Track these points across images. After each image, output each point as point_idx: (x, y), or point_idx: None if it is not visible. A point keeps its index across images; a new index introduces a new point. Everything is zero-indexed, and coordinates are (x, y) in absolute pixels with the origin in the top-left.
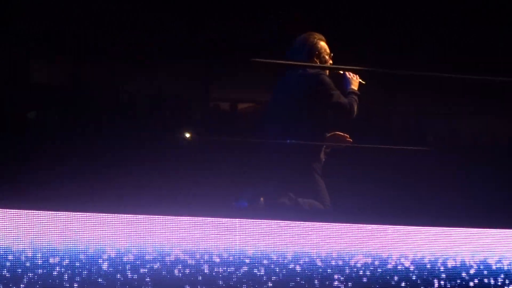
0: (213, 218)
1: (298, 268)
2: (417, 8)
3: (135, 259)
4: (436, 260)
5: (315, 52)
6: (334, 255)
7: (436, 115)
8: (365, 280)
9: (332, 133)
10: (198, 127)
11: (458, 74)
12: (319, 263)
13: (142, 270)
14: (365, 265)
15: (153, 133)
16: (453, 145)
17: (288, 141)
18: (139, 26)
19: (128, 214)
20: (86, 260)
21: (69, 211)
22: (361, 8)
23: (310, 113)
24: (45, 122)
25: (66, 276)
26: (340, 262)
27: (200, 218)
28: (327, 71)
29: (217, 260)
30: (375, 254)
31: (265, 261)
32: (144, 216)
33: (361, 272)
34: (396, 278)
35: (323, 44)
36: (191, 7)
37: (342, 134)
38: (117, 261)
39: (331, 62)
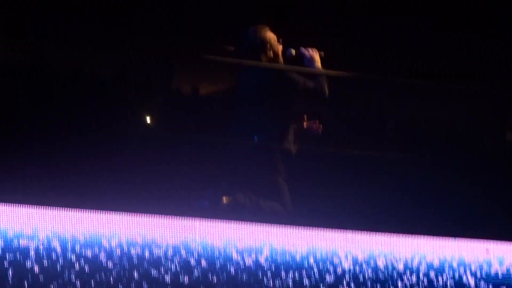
0: (172, 216)
1: (255, 266)
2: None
3: (92, 255)
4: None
5: (266, 45)
6: (289, 256)
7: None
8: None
9: (298, 124)
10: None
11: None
12: (278, 262)
13: (97, 265)
14: (318, 265)
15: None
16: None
17: (256, 138)
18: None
19: (85, 208)
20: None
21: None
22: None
23: (275, 108)
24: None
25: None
26: (295, 262)
27: (159, 216)
28: (282, 60)
29: (177, 259)
30: (330, 256)
31: (223, 261)
32: (100, 211)
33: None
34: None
35: (270, 35)
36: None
37: (311, 122)
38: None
39: (281, 46)
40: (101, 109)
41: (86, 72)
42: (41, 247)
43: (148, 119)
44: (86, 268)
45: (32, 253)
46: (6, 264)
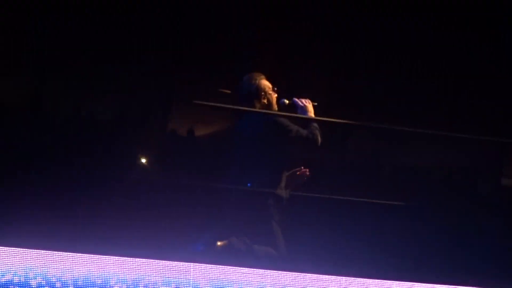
0: (166, 261)
1: None
2: None
3: None
4: None
5: (261, 93)
6: None
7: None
8: None
9: (291, 172)
10: (155, 155)
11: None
12: None
13: None
14: None
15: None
16: None
17: (249, 185)
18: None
19: (80, 253)
20: None
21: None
22: None
23: (269, 153)
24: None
25: None
26: None
27: (153, 261)
28: (276, 108)
29: None
30: None
31: None
32: (94, 256)
33: None
34: None
35: (265, 83)
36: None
37: (300, 170)
38: None
39: (276, 95)
40: (95, 152)
41: (84, 114)
42: None
43: (144, 163)
44: None
45: None
46: None
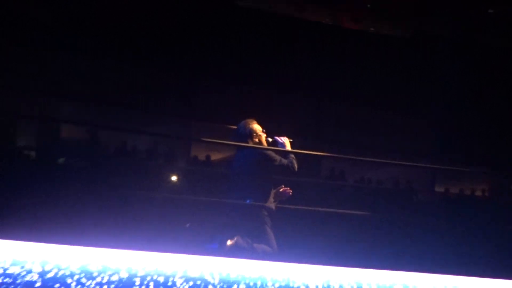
0: (191, 256)
1: None
2: None
3: None
4: None
5: (253, 134)
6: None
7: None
8: None
9: (276, 190)
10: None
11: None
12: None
13: None
14: None
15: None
16: None
17: (248, 201)
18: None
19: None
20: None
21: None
22: None
23: (261, 177)
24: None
25: None
26: None
27: (181, 255)
28: (265, 144)
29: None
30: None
31: None
32: (135, 251)
33: None
34: None
35: (256, 126)
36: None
37: (283, 188)
38: None
39: (265, 134)
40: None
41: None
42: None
43: (172, 181)
44: None
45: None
46: None
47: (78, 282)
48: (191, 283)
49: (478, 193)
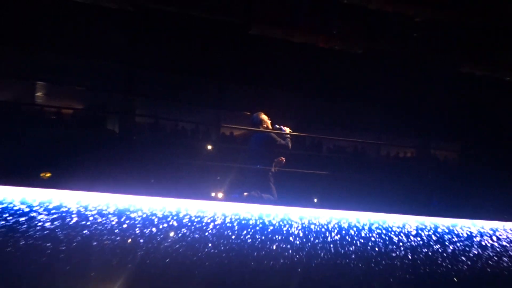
0: (221, 202)
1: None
2: None
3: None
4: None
5: (263, 121)
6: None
7: None
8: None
9: (277, 159)
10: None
11: None
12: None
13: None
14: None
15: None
16: None
17: (258, 166)
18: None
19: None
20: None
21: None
22: None
23: (267, 151)
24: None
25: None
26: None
27: (216, 202)
28: (271, 128)
29: (221, 221)
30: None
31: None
32: (177, 200)
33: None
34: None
35: (264, 117)
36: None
37: (281, 159)
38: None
39: (270, 121)
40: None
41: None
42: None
43: (209, 150)
44: None
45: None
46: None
47: (147, 217)
48: (220, 221)
49: (408, 155)
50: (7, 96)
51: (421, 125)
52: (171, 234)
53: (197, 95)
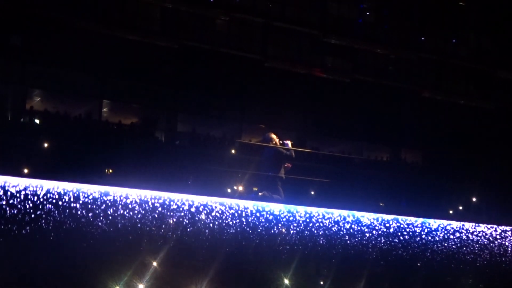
0: (240, 200)
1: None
2: None
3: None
4: None
5: (272, 139)
6: (284, 215)
7: None
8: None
9: (284, 166)
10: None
11: None
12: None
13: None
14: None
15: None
16: None
17: (270, 173)
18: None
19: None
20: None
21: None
22: None
23: (276, 161)
24: None
25: None
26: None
27: (236, 200)
28: (278, 145)
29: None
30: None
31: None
32: (191, 195)
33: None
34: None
35: (273, 136)
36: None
37: (288, 164)
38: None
39: (278, 139)
40: None
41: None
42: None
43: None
44: None
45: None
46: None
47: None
48: (243, 213)
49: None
50: (78, 112)
51: (393, 136)
52: (205, 224)
53: (222, 112)
